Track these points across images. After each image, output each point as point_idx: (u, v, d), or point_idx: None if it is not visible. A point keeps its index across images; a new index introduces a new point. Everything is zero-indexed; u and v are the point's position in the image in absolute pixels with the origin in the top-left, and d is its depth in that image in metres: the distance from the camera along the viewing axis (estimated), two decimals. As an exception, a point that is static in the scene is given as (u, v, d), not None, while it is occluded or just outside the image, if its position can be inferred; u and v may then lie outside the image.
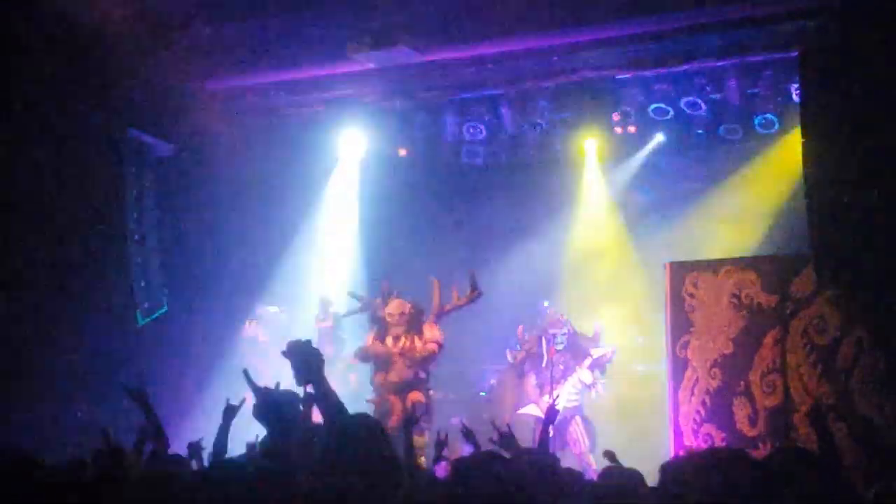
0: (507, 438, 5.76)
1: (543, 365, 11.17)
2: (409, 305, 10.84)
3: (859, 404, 9.17)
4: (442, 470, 7.19)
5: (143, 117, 11.42)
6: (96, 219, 10.91)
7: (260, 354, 13.12)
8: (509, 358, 11.79)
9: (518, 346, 11.93)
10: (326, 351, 12.45)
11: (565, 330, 11.15)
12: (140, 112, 11.31)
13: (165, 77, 10.92)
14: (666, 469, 2.84)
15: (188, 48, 10.77)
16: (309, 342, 3.96)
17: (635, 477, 4.74)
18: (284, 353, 3.91)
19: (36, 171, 10.21)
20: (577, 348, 11.17)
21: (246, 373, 4.21)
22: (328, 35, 10.46)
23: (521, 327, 11.80)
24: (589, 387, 11.03)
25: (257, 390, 4.15)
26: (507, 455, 5.02)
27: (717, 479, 2.64)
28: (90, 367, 10.48)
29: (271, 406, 4.12)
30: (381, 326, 10.95)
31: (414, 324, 10.79)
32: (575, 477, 5.29)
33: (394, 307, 10.86)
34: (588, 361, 11.04)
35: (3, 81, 9.86)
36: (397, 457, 3.87)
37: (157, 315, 11.58)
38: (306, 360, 3.88)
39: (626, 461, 5.37)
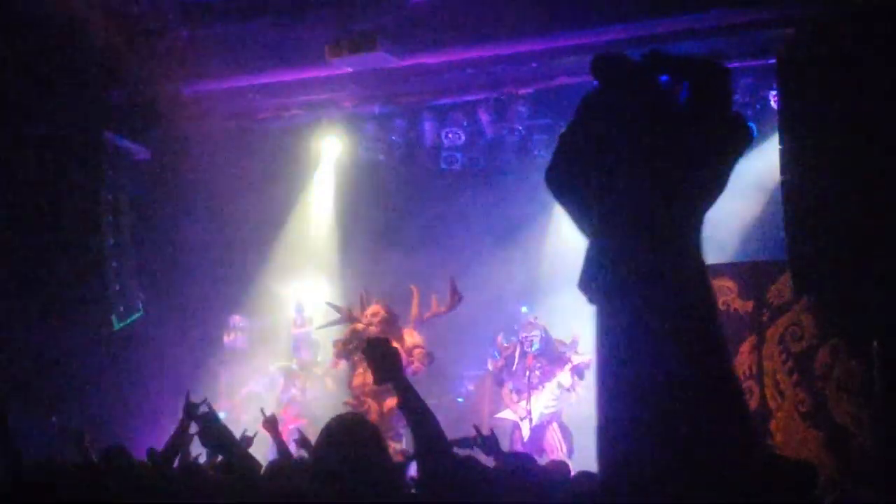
0: (489, 440, 5.77)
1: (514, 368, 11.15)
2: (382, 309, 10.84)
3: (835, 412, 9.21)
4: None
5: (121, 121, 11.36)
6: (72, 222, 10.84)
7: (239, 362, 13.12)
8: (489, 367, 11.78)
9: (497, 355, 11.92)
10: (303, 356, 12.56)
11: (537, 333, 11.13)
12: (117, 116, 11.25)
13: (143, 81, 10.87)
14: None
15: (166, 52, 10.72)
16: (387, 341, 3.90)
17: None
18: (363, 352, 3.85)
19: (11, 175, 10.13)
20: (554, 354, 11.15)
21: (187, 398, 4.20)
22: (306, 39, 10.43)
23: (500, 336, 11.79)
24: (568, 390, 11.00)
25: (197, 419, 4.13)
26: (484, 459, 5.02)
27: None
28: (65, 372, 10.40)
29: (213, 430, 4.10)
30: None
31: (389, 326, 10.77)
32: (550, 479, 5.28)
33: (370, 311, 10.87)
34: (567, 368, 11.02)
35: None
36: (392, 463, 3.84)
37: (132, 319, 11.51)
38: (385, 358, 3.81)
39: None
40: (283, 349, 13.18)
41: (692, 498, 0.96)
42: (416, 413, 3.66)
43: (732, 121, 1.05)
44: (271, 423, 6.48)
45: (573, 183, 1.07)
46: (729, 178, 1.07)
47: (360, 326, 10.82)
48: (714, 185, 1.06)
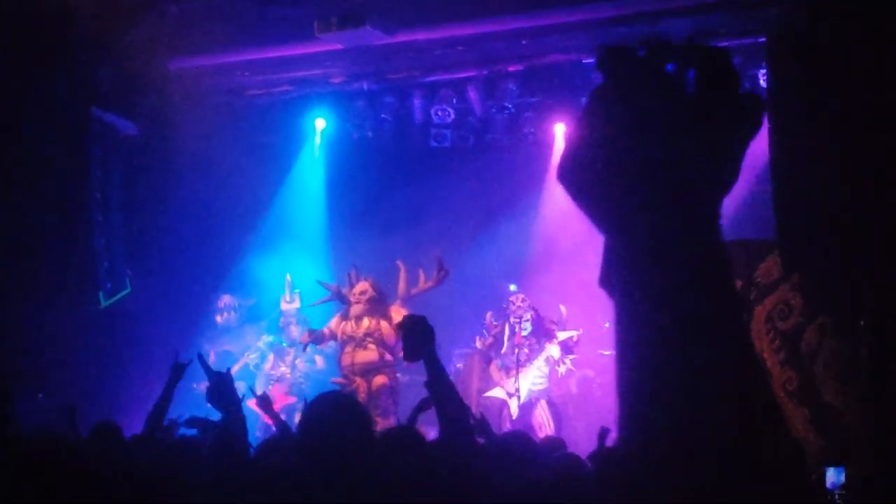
0: (479, 423, 5.77)
1: (503, 352, 11.15)
2: (368, 285, 10.84)
3: (822, 390, 9.24)
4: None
5: (108, 97, 11.30)
6: (59, 199, 10.79)
7: (229, 340, 13.10)
8: (478, 344, 11.78)
9: (486, 333, 11.91)
10: (292, 332, 12.51)
11: (528, 315, 11.12)
12: (105, 91, 11.20)
13: (131, 56, 10.80)
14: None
15: (154, 27, 10.66)
16: (424, 318, 3.85)
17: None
18: (398, 326, 3.82)
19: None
20: (542, 331, 11.16)
21: (200, 357, 4.21)
22: (295, 15, 10.38)
23: (489, 314, 11.79)
24: (556, 362, 11.01)
25: (211, 374, 4.13)
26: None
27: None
28: (52, 349, 10.37)
29: (225, 389, 4.10)
30: (347, 310, 10.94)
31: (377, 306, 10.77)
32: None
33: (358, 288, 10.86)
34: (554, 343, 11.03)
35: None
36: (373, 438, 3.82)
37: (120, 296, 11.49)
38: (420, 336, 3.77)
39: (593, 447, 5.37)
40: (272, 326, 13.16)
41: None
42: (443, 393, 3.65)
43: (743, 103, 1.04)
44: (265, 402, 6.43)
45: (587, 181, 1.05)
46: (742, 161, 1.06)
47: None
48: (731, 170, 1.05)
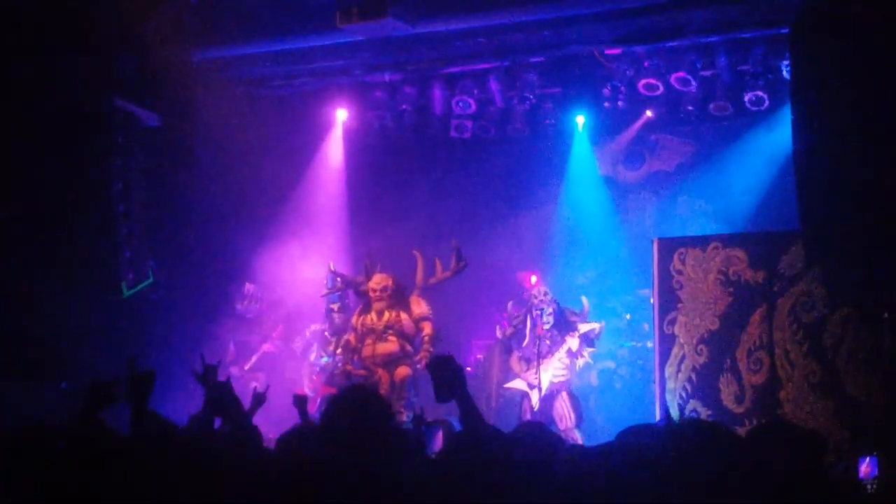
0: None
1: (524, 345, 11.12)
2: (390, 280, 10.83)
3: (845, 382, 9.19)
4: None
5: (130, 87, 11.32)
6: (81, 189, 10.83)
7: (248, 330, 13.12)
8: (498, 334, 11.75)
9: (507, 323, 11.88)
10: (335, 320, 12.38)
11: (550, 309, 11.08)
12: (127, 82, 11.22)
13: (153, 47, 10.82)
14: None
15: (175, 17, 10.67)
16: (452, 358, 3.80)
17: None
18: (427, 367, 3.77)
19: (19, 141, 10.12)
20: (563, 323, 11.13)
21: (205, 368, 4.19)
22: (317, 5, 10.37)
23: (510, 303, 11.77)
24: (575, 354, 10.97)
25: (213, 386, 4.13)
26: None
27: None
28: (74, 339, 10.42)
29: (226, 400, 4.10)
30: (366, 301, 10.94)
31: (397, 298, 10.77)
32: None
33: (376, 282, 10.84)
34: (575, 336, 10.99)
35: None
36: (399, 431, 3.83)
37: (142, 286, 11.53)
38: (450, 376, 3.73)
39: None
40: (294, 317, 13.15)
41: None
42: (480, 431, 3.64)
43: None
44: (301, 403, 6.37)
45: None
46: None
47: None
48: None
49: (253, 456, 3.73)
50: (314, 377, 12.45)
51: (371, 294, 10.82)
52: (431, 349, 10.54)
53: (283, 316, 13.17)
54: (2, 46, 9.78)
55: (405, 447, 3.85)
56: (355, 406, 3.46)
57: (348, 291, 11.76)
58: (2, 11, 9.65)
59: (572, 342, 10.93)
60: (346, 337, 11.08)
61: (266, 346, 12.88)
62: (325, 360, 12.32)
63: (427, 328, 10.67)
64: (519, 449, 3.63)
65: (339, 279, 11.38)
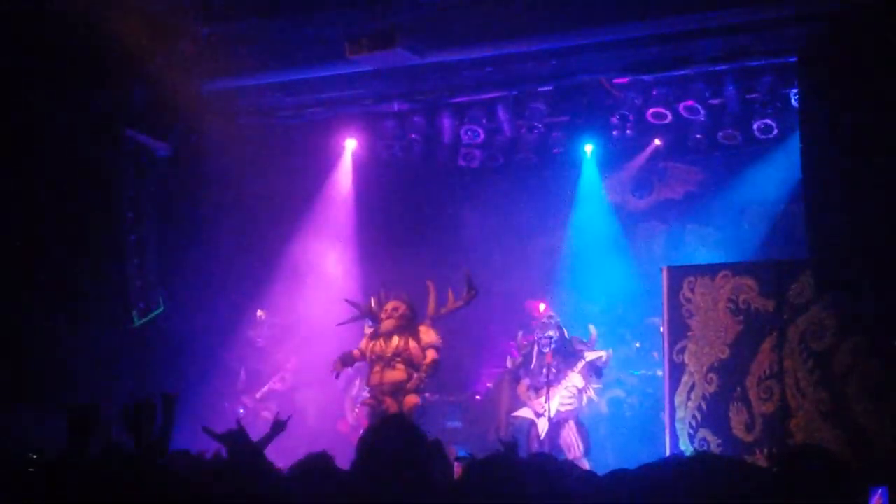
0: (508, 446, 5.79)
1: (532, 367, 11.12)
2: (403, 305, 10.84)
3: (856, 411, 9.16)
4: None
5: (142, 118, 11.38)
6: (93, 219, 10.88)
7: (261, 358, 13.13)
8: (509, 364, 11.75)
9: (518, 352, 11.88)
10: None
11: (551, 332, 11.05)
12: (138, 113, 11.28)
13: (164, 78, 10.90)
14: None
15: (186, 49, 10.76)
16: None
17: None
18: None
19: (32, 170, 10.19)
20: (569, 352, 11.12)
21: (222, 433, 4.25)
22: (326, 36, 10.44)
23: (520, 333, 11.77)
24: (581, 391, 10.96)
25: (225, 440, 4.18)
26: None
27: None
28: (84, 368, 10.44)
29: (240, 452, 4.13)
30: (376, 328, 10.95)
31: (407, 325, 10.77)
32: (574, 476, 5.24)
33: (390, 305, 10.87)
34: (581, 364, 10.97)
35: (2, 79, 9.85)
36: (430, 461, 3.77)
37: (153, 315, 11.55)
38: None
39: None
40: (306, 345, 13.14)
41: None
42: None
43: None
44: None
45: None
46: None
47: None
48: None
49: (265, 490, 3.72)
50: (356, 410, 12.42)
51: (382, 314, 10.84)
52: (425, 376, 10.55)
53: (295, 346, 13.17)
54: (17, 78, 9.87)
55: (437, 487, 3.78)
56: (396, 449, 3.39)
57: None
58: (16, 44, 9.74)
59: (575, 378, 10.91)
60: (353, 350, 11.02)
61: (276, 384, 12.86)
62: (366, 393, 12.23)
63: (431, 355, 10.64)
64: (533, 476, 3.61)
65: (355, 308, 11.36)
